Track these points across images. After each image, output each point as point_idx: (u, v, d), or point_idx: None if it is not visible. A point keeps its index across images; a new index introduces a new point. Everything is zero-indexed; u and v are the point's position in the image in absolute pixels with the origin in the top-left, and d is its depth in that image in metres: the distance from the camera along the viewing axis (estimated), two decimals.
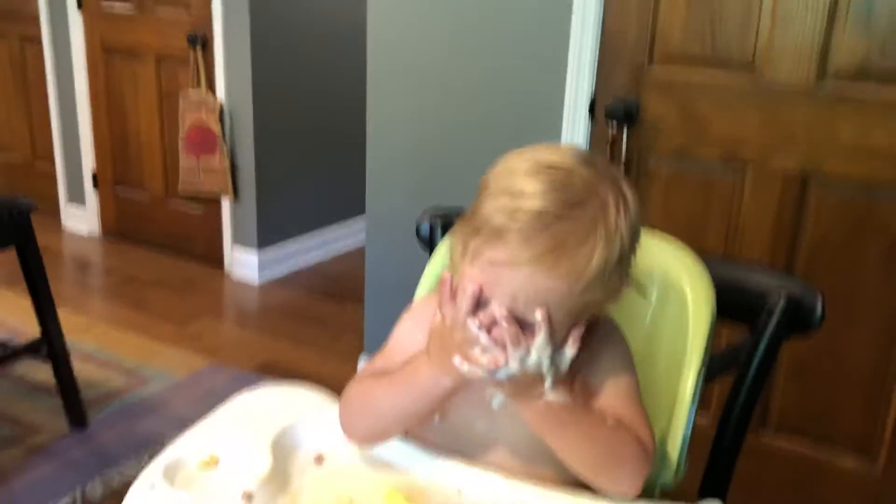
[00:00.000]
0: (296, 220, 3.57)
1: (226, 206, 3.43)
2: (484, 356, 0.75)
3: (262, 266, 3.41)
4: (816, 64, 1.68)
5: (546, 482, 0.84)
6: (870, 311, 1.75)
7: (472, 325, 0.74)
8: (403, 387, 0.83)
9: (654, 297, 0.98)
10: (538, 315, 0.73)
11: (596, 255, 0.73)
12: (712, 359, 0.95)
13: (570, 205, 0.73)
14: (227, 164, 3.31)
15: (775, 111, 1.74)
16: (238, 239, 3.44)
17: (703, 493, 1.03)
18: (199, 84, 3.30)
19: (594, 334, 0.83)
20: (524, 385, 0.77)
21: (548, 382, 0.77)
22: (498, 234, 0.73)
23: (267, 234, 3.42)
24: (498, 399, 0.82)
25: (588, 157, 0.78)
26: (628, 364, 0.87)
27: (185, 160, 3.41)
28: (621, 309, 0.99)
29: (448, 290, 0.77)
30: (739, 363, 1.01)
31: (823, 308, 0.96)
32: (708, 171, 1.85)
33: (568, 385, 0.79)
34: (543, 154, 0.77)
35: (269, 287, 3.38)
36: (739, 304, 1.02)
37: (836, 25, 1.65)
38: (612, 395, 0.84)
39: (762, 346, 0.98)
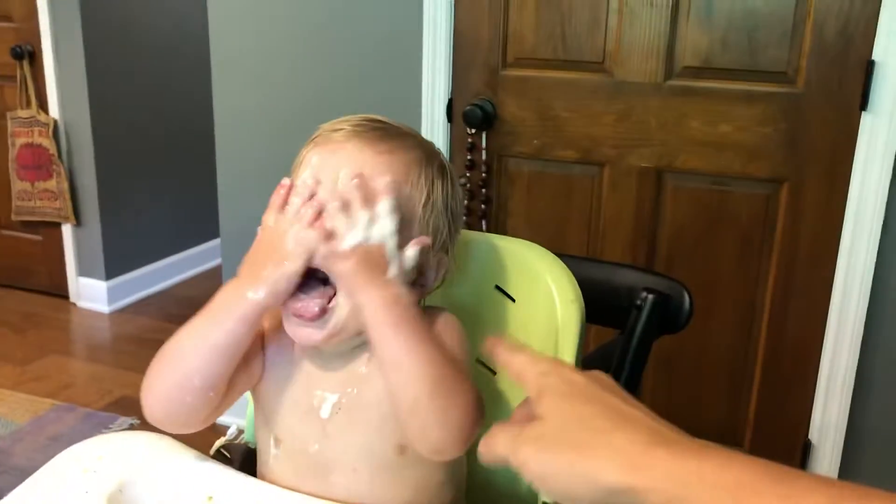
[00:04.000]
0: (145, 243, 3.34)
1: (67, 231, 3.17)
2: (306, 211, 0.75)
3: (111, 294, 3.18)
4: (664, 61, 1.71)
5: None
6: (727, 300, 1.80)
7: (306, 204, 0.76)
8: (205, 315, 0.75)
9: (521, 299, 0.94)
10: (382, 182, 0.74)
11: (415, 149, 0.80)
12: (584, 361, 0.92)
13: (385, 123, 0.83)
14: (65, 186, 3.06)
15: (627, 109, 1.76)
16: (83, 266, 3.19)
17: None
18: (28, 102, 3.04)
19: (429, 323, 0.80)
20: (367, 266, 0.72)
21: (392, 269, 0.73)
22: (324, 137, 0.82)
23: (115, 260, 3.19)
24: (327, 403, 0.78)
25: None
26: (463, 356, 0.80)
27: (18, 185, 3.13)
28: (488, 311, 0.95)
29: (282, 197, 0.80)
30: (611, 365, 0.98)
31: (691, 305, 0.95)
32: (567, 171, 1.85)
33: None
34: None
35: (120, 316, 3.15)
36: (607, 304, 1.00)
37: (680, 22, 1.68)
38: None
39: (633, 346, 0.96)
